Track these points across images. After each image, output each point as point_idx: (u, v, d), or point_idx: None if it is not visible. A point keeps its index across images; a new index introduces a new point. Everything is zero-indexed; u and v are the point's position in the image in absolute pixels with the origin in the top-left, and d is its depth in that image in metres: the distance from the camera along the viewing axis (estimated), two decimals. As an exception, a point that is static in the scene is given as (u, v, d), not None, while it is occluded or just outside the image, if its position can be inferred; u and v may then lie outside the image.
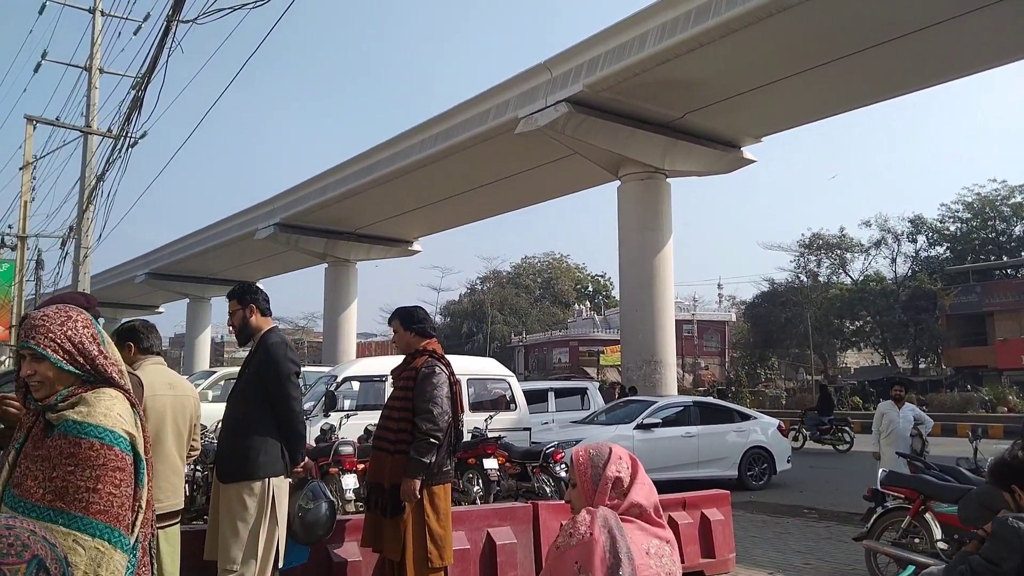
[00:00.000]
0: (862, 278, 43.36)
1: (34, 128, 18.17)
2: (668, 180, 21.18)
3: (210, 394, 13.98)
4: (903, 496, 6.10)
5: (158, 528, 3.53)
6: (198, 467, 8.29)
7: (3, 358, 27.47)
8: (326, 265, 33.79)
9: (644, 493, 1.96)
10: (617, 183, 21.47)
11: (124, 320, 3.95)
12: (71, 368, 1.84)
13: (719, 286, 59.88)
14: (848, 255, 43.92)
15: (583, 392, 16.71)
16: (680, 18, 15.82)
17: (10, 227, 23.33)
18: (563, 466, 8.98)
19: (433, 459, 4.08)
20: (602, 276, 65.07)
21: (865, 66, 16.68)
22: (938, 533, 5.70)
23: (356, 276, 34.16)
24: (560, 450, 9.26)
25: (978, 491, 5.32)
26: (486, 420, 10.67)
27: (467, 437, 8.95)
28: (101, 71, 16.34)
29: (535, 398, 14.64)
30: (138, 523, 1.79)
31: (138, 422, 1.88)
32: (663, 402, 12.96)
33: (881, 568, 6.11)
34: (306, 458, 4.08)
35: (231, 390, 4.10)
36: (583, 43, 18.19)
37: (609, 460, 1.98)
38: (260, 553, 3.68)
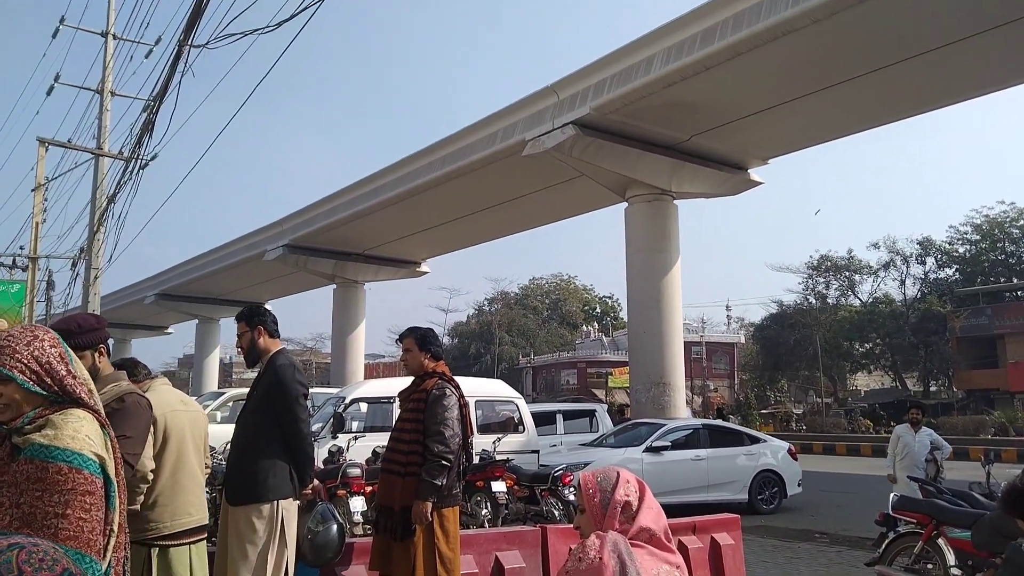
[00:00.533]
0: (871, 300, 43.22)
1: (46, 150, 18.33)
2: (675, 202, 21.22)
3: (219, 415, 13.98)
4: (915, 521, 6.04)
5: (190, 543, 3.57)
6: (207, 489, 8.29)
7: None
8: (334, 286, 33.87)
9: (652, 517, 1.95)
10: (624, 205, 21.51)
11: (138, 347, 4.02)
12: (38, 389, 1.79)
13: (728, 308, 59.98)
14: (857, 277, 43.84)
15: (591, 414, 16.63)
16: (686, 41, 15.91)
17: (21, 248, 23.51)
18: (572, 489, 8.93)
19: (444, 481, 4.09)
20: (610, 297, 65.08)
21: (872, 88, 16.72)
22: (951, 559, 5.64)
23: (364, 297, 34.23)
24: (569, 473, 9.22)
25: (992, 517, 5.28)
26: (494, 442, 10.65)
27: (475, 460, 8.92)
28: (113, 94, 16.54)
29: (543, 420, 14.58)
30: (110, 547, 1.74)
31: (108, 443, 1.82)
32: (672, 425, 12.91)
33: (894, 594, 6.04)
34: (315, 480, 4.08)
35: (240, 412, 4.11)
36: (590, 66, 18.31)
37: (617, 484, 1.97)
38: (269, 576, 3.67)
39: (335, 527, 4.12)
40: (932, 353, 39.76)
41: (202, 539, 3.66)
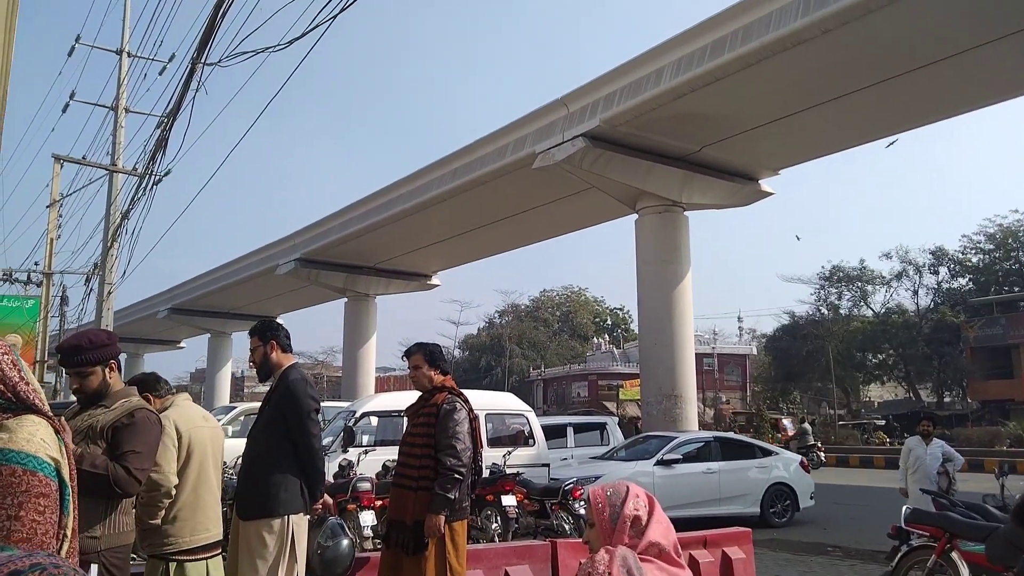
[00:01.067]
0: (884, 311, 42.98)
1: (61, 167, 18.53)
2: (686, 213, 21.21)
3: (230, 429, 13.99)
4: (928, 534, 5.99)
5: (206, 558, 3.61)
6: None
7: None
8: (346, 300, 33.97)
9: (662, 531, 1.95)
10: (635, 216, 21.52)
11: (151, 362, 4.06)
12: None
13: (739, 319, 59.81)
14: (869, 287, 43.61)
15: (602, 427, 16.57)
16: (696, 53, 15.96)
17: (36, 264, 23.70)
18: (582, 503, 8.89)
19: (457, 495, 4.11)
20: (621, 309, 64.96)
21: (883, 98, 16.70)
22: (965, 573, 5.58)
23: (375, 311, 34.30)
24: (579, 487, 9.18)
25: (1006, 530, 5.23)
26: (504, 456, 10.62)
27: (485, 473, 8.90)
28: (127, 110, 16.72)
29: (554, 433, 14.54)
30: (63, 552, 1.73)
31: (63, 448, 1.83)
32: (683, 437, 12.85)
33: (908, 608, 5.98)
34: (325, 495, 4.09)
35: (252, 426, 4.14)
36: (599, 79, 18.37)
37: (627, 498, 1.98)
38: (279, 591, 3.68)
39: (345, 542, 4.13)
40: (946, 364, 39.46)
41: (218, 554, 3.70)
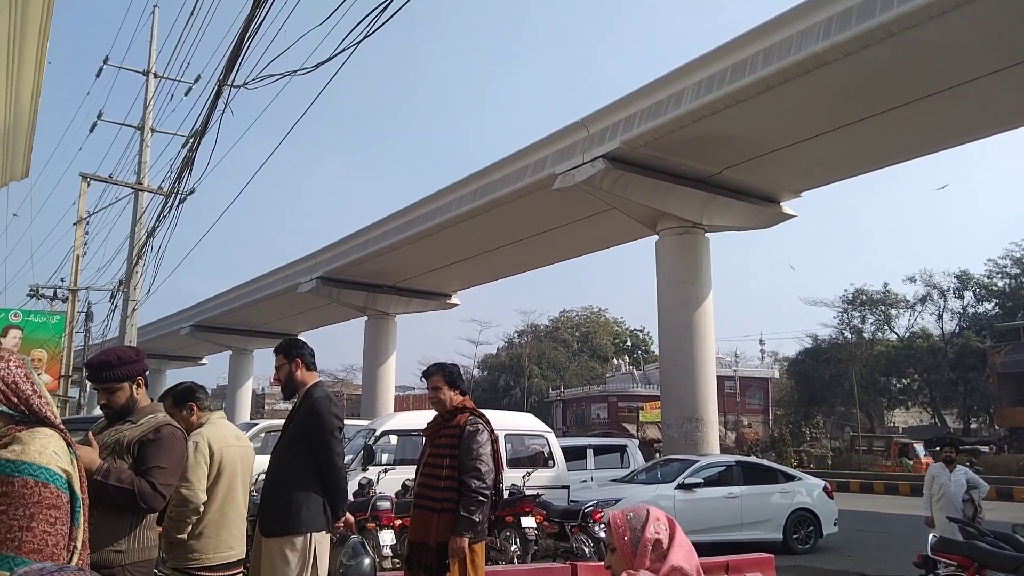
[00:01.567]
0: (908, 335, 42.52)
1: (88, 185, 18.81)
2: (707, 235, 21.15)
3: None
4: (956, 563, 5.88)
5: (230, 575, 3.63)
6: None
7: (51, 408, 28.00)
8: (366, 318, 34.12)
9: (683, 555, 1.94)
10: (655, 237, 21.49)
11: (173, 378, 4.08)
12: (5, 408, 1.83)
13: (761, 342, 58.99)
14: (893, 311, 43.18)
15: (623, 449, 16.46)
16: (716, 75, 15.99)
17: (62, 280, 24.04)
18: (602, 526, 8.82)
19: (481, 517, 4.10)
20: (641, 330, 64.66)
21: (906, 120, 16.62)
22: (994, 603, 5.48)
23: (395, 329, 34.42)
24: (599, 509, 9.11)
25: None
26: (524, 477, 10.57)
27: (504, 494, 8.87)
28: (153, 130, 17.00)
29: (573, 455, 14.46)
30: (74, 563, 1.74)
31: (74, 460, 1.84)
32: (705, 461, 12.73)
33: (934, 639, 5.87)
34: (347, 513, 4.10)
35: (276, 444, 4.16)
36: (620, 101, 18.44)
37: (647, 522, 1.96)
38: (300, 608, 3.68)
39: (367, 561, 4.14)
40: (972, 389, 38.90)
41: (239, 572, 3.72)
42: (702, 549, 2.27)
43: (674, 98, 16.96)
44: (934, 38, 13.48)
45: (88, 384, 24.04)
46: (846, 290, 44.19)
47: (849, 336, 43.32)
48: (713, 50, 16.16)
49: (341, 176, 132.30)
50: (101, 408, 3.19)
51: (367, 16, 5.16)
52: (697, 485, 11.69)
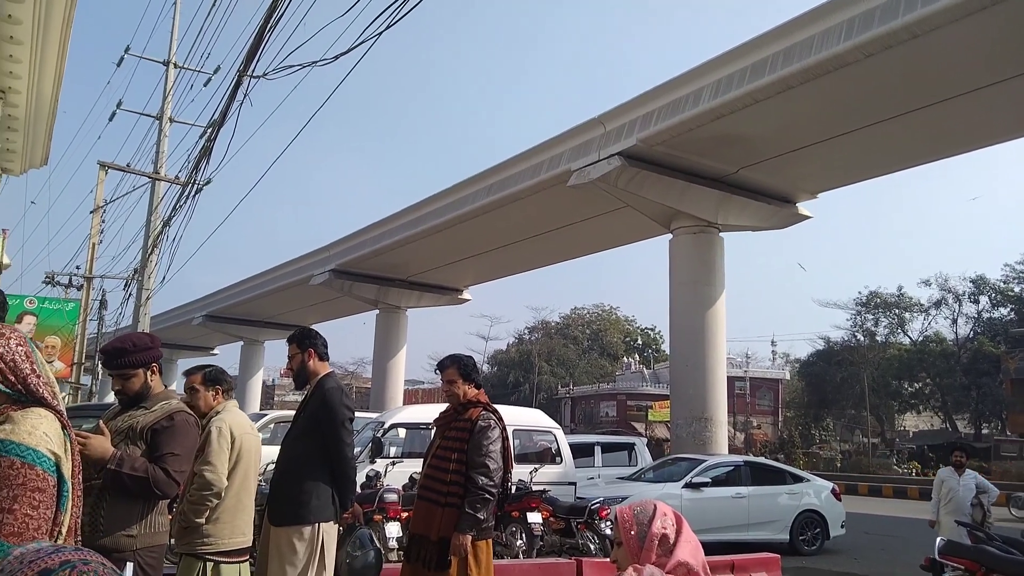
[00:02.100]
0: (921, 339, 42.20)
1: (106, 173, 18.97)
2: (721, 234, 21.08)
3: (260, 436, 14.12)
4: (963, 567, 5.86)
5: (240, 562, 3.67)
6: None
7: (64, 395, 28.30)
8: (378, 312, 34.21)
9: (690, 551, 1.95)
10: (669, 236, 21.44)
11: (194, 366, 4.13)
12: (1, 387, 1.79)
13: (772, 343, 58.55)
14: (907, 315, 42.86)
15: (630, 447, 16.47)
16: (735, 75, 15.91)
17: (78, 268, 24.24)
18: (608, 523, 8.84)
19: (486, 515, 4.04)
20: (652, 329, 64.48)
21: (925, 124, 16.48)
22: (1002, 609, 5.45)
23: (406, 323, 34.50)
24: (606, 506, 9.14)
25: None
26: (531, 473, 10.61)
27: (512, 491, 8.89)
28: (172, 120, 17.10)
29: (581, 452, 14.47)
30: None
31: (67, 444, 1.80)
32: (713, 461, 12.72)
33: (940, 643, 5.86)
34: (355, 504, 4.13)
35: (286, 434, 4.20)
36: (637, 98, 18.39)
37: (654, 517, 1.97)
38: (307, 598, 3.72)
39: (373, 553, 4.15)
40: (984, 395, 38.59)
41: (247, 560, 3.77)
42: (708, 548, 2.27)
43: (692, 96, 16.89)
44: (958, 40, 13.35)
45: (100, 371, 24.22)
46: (860, 292, 43.83)
47: (861, 339, 43.02)
48: (733, 49, 16.08)
49: (355, 169, 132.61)
50: (115, 394, 3.23)
51: (387, 8, 5.17)
52: (704, 484, 11.69)
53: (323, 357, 4.11)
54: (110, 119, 19.06)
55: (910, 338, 42.82)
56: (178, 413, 3.14)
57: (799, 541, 11.92)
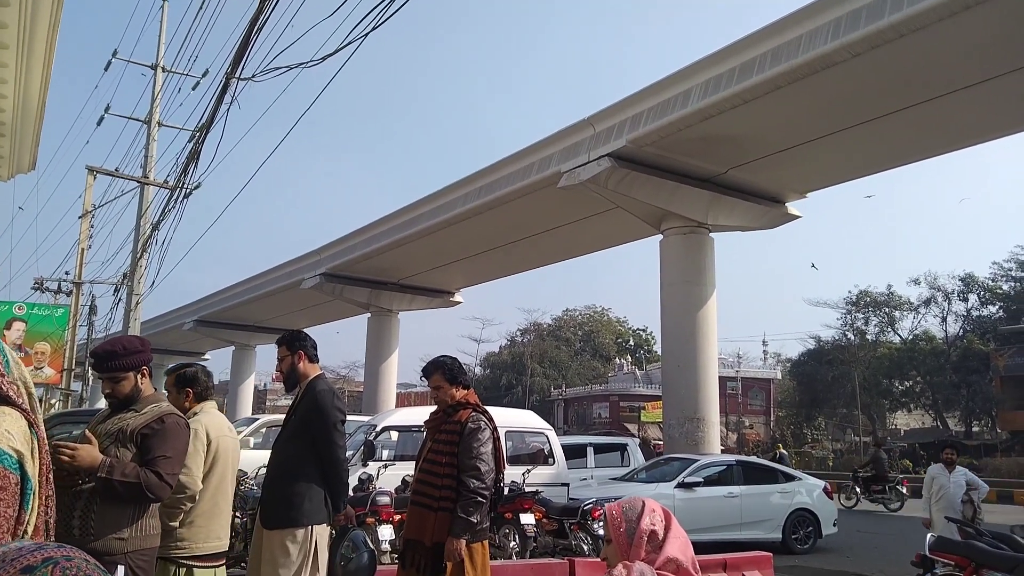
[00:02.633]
0: (911, 337, 42.41)
1: (94, 178, 18.86)
2: (711, 235, 21.14)
3: (252, 441, 14.09)
4: (953, 563, 5.90)
5: (215, 566, 3.63)
6: (236, 513, 8.36)
7: (54, 401, 28.12)
8: (369, 315, 34.16)
9: (679, 547, 1.95)
10: (660, 237, 21.48)
11: (175, 364, 4.04)
12: None
13: (764, 343, 59.02)
14: (896, 313, 43.08)
15: (623, 448, 16.50)
16: (724, 75, 15.96)
17: (67, 273, 24.12)
18: (601, 524, 8.84)
19: (479, 518, 4.01)
20: (643, 330, 64.62)
21: (915, 122, 16.57)
22: (992, 604, 5.49)
23: (398, 326, 34.46)
24: (598, 507, 9.14)
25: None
26: (523, 474, 10.61)
27: (504, 492, 8.89)
28: (160, 124, 17.04)
29: (574, 453, 14.49)
30: None
31: (34, 441, 1.74)
32: (705, 460, 12.76)
33: (932, 639, 5.89)
34: (348, 507, 4.11)
35: (277, 436, 4.18)
36: (627, 99, 18.42)
37: (643, 513, 1.98)
38: (299, 600, 3.71)
39: (367, 555, 4.14)
40: (975, 393, 38.81)
41: (223, 564, 3.72)
42: (701, 548, 2.29)
43: (681, 97, 16.93)
44: (944, 39, 13.43)
45: (90, 377, 24.08)
46: (850, 291, 44.08)
47: (852, 338, 43.22)
48: (721, 49, 16.13)
49: (345, 173, 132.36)
50: (106, 397, 3.22)
51: (374, 8, 5.17)
52: (697, 484, 11.72)
53: (313, 359, 4.11)
54: (98, 123, 19.01)
55: (900, 336, 43.04)
56: (168, 416, 3.13)
57: (791, 540, 11.95)
